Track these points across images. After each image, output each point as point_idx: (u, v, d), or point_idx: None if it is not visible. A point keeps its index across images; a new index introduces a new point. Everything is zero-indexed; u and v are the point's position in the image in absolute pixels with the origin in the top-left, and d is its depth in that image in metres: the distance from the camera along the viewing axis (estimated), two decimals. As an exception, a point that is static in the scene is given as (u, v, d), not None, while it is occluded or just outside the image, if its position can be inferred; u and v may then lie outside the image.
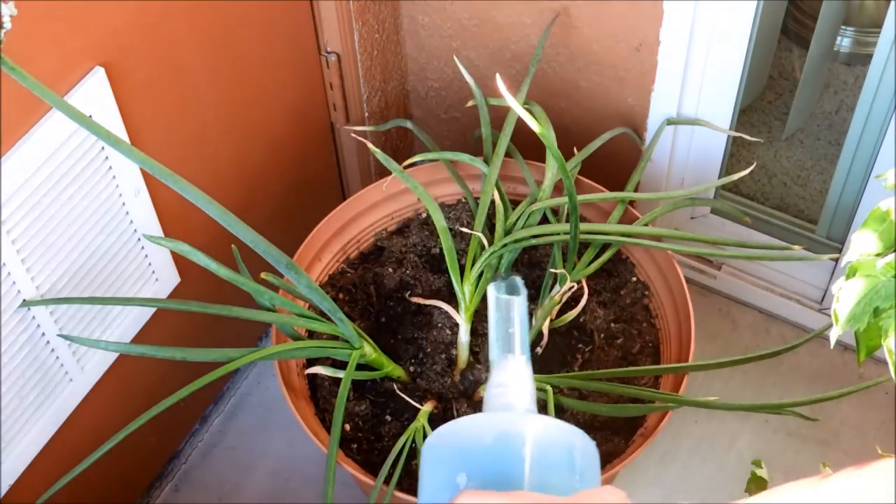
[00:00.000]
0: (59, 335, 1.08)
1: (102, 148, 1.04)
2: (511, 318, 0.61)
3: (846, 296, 0.72)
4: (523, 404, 0.57)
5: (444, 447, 0.55)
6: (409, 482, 1.13)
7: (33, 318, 1.05)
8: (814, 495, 0.52)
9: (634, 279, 1.32)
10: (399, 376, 1.23)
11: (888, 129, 1.23)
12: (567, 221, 1.22)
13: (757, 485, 1.05)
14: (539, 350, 1.24)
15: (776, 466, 1.38)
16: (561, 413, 1.18)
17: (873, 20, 1.81)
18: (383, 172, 1.30)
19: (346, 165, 1.56)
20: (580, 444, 0.56)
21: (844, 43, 1.84)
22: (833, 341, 0.78)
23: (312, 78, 1.42)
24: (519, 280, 0.62)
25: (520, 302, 0.61)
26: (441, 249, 1.23)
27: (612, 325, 1.29)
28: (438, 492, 0.53)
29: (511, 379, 0.58)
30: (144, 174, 1.13)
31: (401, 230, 1.39)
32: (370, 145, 1.28)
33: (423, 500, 0.55)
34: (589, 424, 1.19)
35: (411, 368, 1.25)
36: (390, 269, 1.33)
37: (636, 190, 1.38)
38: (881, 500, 0.49)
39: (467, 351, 1.24)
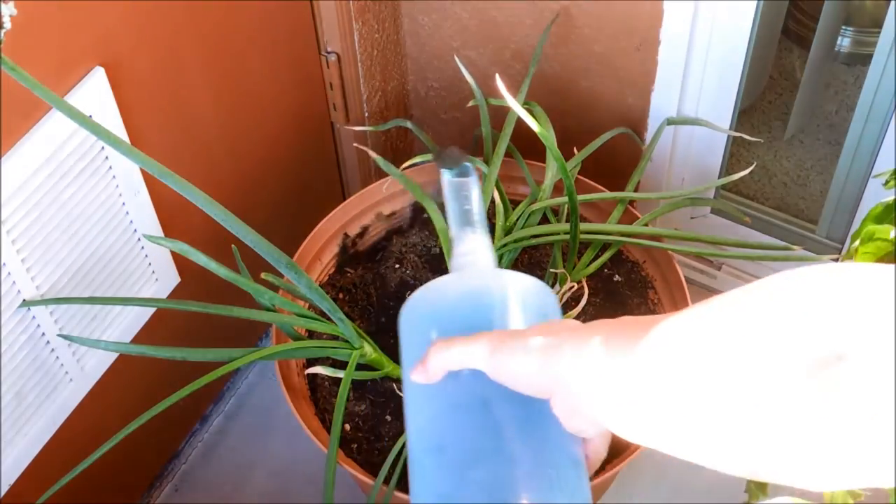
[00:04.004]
0: (59, 335, 1.08)
1: (102, 148, 1.04)
2: (466, 196, 0.64)
3: (862, 260, 0.73)
4: (484, 266, 0.61)
5: (417, 311, 0.59)
6: (409, 482, 1.13)
7: (33, 318, 1.04)
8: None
9: (634, 279, 1.32)
10: (399, 376, 1.23)
11: (888, 129, 1.23)
12: (567, 221, 1.22)
13: (757, 484, 1.05)
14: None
15: (776, 466, 1.38)
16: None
17: (873, 20, 1.81)
18: (383, 172, 1.30)
19: (346, 165, 1.56)
20: (538, 289, 0.59)
21: (844, 43, 1.84)
22: None
23: (312, 78, 1.42)
24: (468, 163, 0.66)
25: (472, 182, 0.64)
26: (441, 249, 1.23)
27: (612, 325, 1.29)
28: (415, 351, 0.56)
29: (471, 248, 0.61)
30: (144, 174, 1.13)
31: (401, 230, 1.39)
32: (370, 152, 1.27)
33: (404, 362, 0.57)
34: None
35: (411, 368, 1.25)
36: (390, 269, 1.33)
37: (636, 190, 1.38)
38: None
39: (467, 351, 1.23)
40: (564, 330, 0.51)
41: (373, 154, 1.26)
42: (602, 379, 0.48)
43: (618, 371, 0.47)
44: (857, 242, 0.77)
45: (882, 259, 0.76)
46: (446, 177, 0.65)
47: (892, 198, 0.78)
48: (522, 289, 0.58)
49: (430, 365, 0.54)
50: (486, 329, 0.55)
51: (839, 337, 0.39)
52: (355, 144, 1.47)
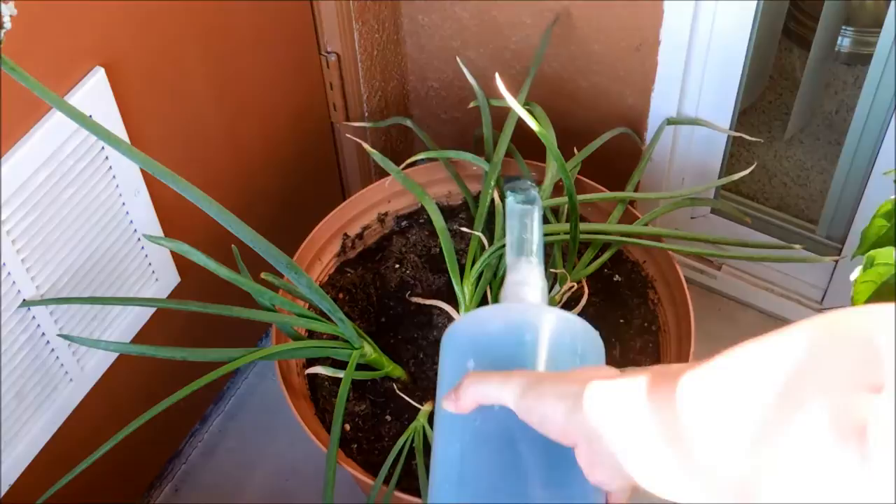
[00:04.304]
0: (59, 335, 1.08)
1: (102, 148, 1.04)
2: (526, 224, 0.64)
3: (862, 289, 0.73)
4: (533, 299, 0.61)
5: (459, 337, 0.59)
6: (409, 482, 1.13)
7: (33, 318, 1.04)
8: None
9: (634, 279, 1.32)
10: (399, 376, 1.23)
11: (888, 129, 1.23)
12: (567, 221, 1.22)
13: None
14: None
15: (776, 466, 1.37)
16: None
17: (873, 20, 1.81)
18: (383, 172, 1.30)
19: (346, 165, 1.56)
20: (581, 331, 0.58)
21: (844, 43, 1.84)
22: None
23: (312, 78, 1.42)
24: (535, 192, 0.65)
25: (535, 211, 0.64)
26: (441, 249, 1.23)
27: (612, 325, 1.29)
28: (451, 377, 0.56)
29: (524, 278, 0.61)
30: (144, 174, 1.13)
31: (401, 230, 1.39)
32: (367, 146, 1.27)
33: (439, 387, 0.57)
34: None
35: (411, 368, 1.25)
36: (390, 270, 1.33)
37: (636, 190, 1.38)
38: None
39: (467, 351, 1.23)
40: (598, 378, 0.50)
41: (368, 147, 1.26)
42: (634, 432, 0.47)
43: (651, 426, 0.46)
44: (856, 273, 0.76)
45: (883, 286, 0.75)
46: (510, 202, 0.64)
47: None
48: (566, 330, 0.57)
49: (461, 395, 0.53)
50: (522, 366, 0.54)
51: (878, 370, 0.38)
52: (349, 135, 1.47)
